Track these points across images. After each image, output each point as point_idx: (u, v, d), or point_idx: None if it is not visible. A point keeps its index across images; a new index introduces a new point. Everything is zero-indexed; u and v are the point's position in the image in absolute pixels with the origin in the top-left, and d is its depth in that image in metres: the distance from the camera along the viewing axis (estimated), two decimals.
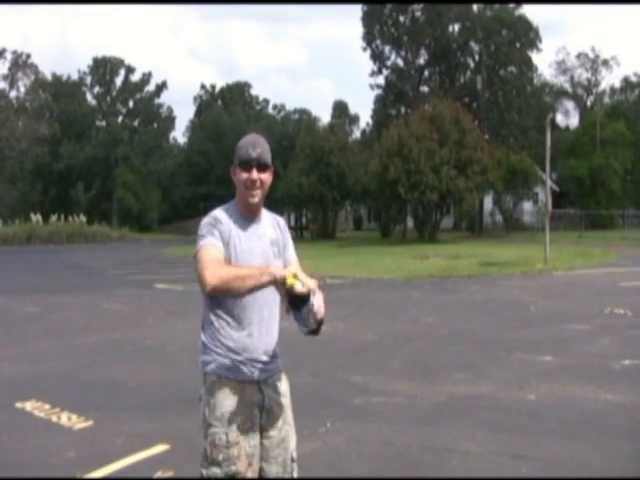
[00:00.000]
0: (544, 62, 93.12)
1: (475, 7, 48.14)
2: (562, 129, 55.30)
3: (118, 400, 5.69)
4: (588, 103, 62.19)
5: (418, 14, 47.43)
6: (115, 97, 65.91)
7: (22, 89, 59.75)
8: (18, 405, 5.49)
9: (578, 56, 61.63)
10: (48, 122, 57.24)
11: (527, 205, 42.41)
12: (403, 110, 47.08)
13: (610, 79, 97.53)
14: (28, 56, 59.03)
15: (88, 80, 65.63)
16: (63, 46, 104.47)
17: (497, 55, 46.24)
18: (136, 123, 66.52)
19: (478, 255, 21.38)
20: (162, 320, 10.20)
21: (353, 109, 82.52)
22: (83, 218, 42.87)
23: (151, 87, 66.68)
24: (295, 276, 2.30)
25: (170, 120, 69.13)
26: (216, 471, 2.45)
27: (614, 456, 4.28)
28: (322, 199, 38.20)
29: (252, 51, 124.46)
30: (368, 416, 5.12)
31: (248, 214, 2.61)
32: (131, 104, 66.62)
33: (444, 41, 47.87)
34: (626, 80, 61.69)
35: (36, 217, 40.75)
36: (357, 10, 66.89)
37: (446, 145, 30.85)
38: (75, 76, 65.33)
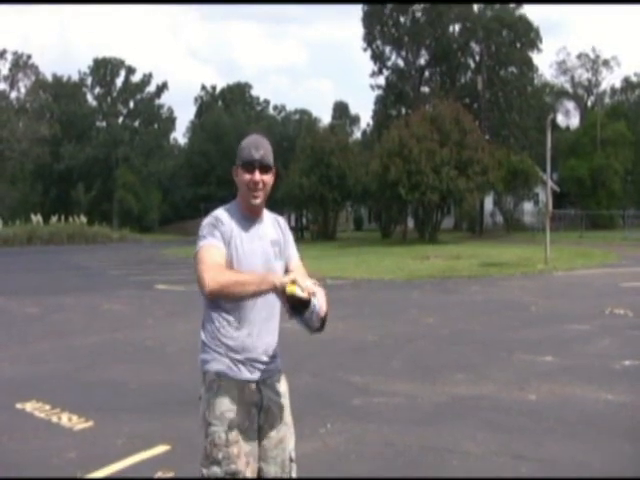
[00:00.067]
0: (545, 62, 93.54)
1: (475, 7, 48.18)
2: (563, 129, 55.34)
3: (119, 401, 5.69)
4: (589, 103, 62.22)
5: (419, 14, 47.43)
6: (115, 98, 65.98)
7: (23, 90, 60.03)
8: (18, 406, 5.49)
9: (579, 56, 61.78)
10: (49, 123, 57.37)
11: (528, 205, 42.35)
12: (404, 111, 47.01)
13: (610, 79, 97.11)
14: (28, 57, 59.29)
15: (88, 81, 65.77)
16: (63, 47, 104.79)
17: (498, 55, 46.20)
18: (137, 124, 66.60)
19: (479, 255, 21.38)
20: (163, 321, 10.21)
21: (353, 110, 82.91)
22: (84, 219, 42.93)
23: (151, 88, 66.90)
24: (294, 282, 2.29)
25: (171, 121, 69.24)
26: (216, 470, 2.45)
27: (614, 456, 4.27)
28: (322, 200, 38.16)
29: (252, 51, 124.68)
30: (368, 416, 5.11)
31: (250, 215, 2.61)
32: (132, 105, 66.72)
33: (445, 41, 47.85)
34: (626, 80, 61.79)
35: (37, 218, 40.78)
36: (357, 10, 66.82)
37: (447, 145, 30.80)
38: (75, 77, 65.62)
